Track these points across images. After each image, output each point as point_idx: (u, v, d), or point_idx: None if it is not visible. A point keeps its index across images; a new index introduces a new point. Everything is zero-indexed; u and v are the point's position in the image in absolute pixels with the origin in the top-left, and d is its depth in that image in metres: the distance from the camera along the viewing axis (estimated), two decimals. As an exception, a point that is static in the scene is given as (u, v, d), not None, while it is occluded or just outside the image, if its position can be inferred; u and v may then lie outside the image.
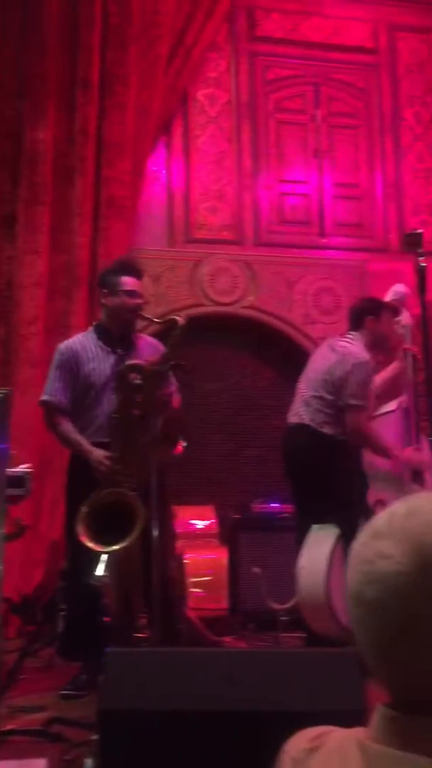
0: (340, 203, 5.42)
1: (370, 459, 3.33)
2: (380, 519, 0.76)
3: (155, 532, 2.51)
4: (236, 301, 5.05)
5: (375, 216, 5.44)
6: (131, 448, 2.67)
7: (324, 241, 5.37)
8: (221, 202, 5.19)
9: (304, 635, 3.25)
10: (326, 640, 2.92)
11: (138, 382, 2.73)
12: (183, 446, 3.04)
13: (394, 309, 3.49)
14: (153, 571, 2.48)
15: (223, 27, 5.26)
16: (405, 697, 0.72)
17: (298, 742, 0.80)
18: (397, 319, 3.53)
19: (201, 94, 5.25)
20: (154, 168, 5.10)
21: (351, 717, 0.83)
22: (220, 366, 5.12)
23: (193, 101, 5.22)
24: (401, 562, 0.70)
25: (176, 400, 3.09)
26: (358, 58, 5.54)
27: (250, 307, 5.07)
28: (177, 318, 2.89)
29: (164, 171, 5.15)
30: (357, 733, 0.75)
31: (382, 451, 3.29)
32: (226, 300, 5.04)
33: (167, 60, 4.91)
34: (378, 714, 0.74)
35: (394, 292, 3.57)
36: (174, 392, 3.08)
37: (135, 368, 2.78)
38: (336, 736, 0.78)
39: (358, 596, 0.72)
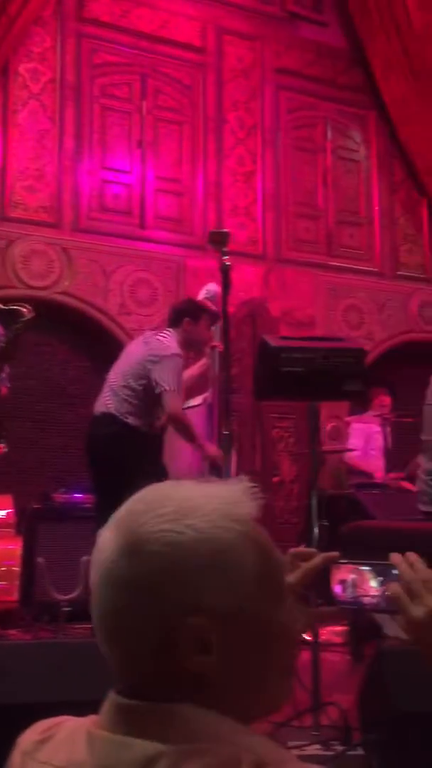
0: (161, 197, 5.45)
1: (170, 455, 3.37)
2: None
3: None
4: (50, 286, 4.92)
5: (195, 213, 5.53)
6: None
7: (144, 232, 5.37)
8: (40, 183, 5.03)
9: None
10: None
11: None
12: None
13: (214, 316, 3.54)
14: None
15: (50, 2, 5.10)
16: (128, 683, 0.72)
17: (29, 735, 0.78)
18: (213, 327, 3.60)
19: (23, 68, 5.05)
20: (-31, 138, 4.84)
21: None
22: (29, 351, 4.95)
23: (15, 74, 5.01)
24: (112, 549, 0.72)
25: (4, 388, 2.99)
26: (186, 55, 5.60)
27: (65, 293, 4.96)
28: (23, 308, 2.76)
29: (-21, 142, 4.90)
30: (88, 721, 0.74)
31: (194, 439, 3.36)
32: (40, 284, 4.89)
33: (-12, 27, 4.67)
34: (107, 701, 0.73)
35: (206, 290, 3.65)
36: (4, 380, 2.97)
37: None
38: (68, 726, 0.76)
39: (90, 584, 0.72)
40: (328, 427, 5.64)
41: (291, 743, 1.76)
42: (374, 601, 1.04)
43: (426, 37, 6.25)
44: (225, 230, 2.67)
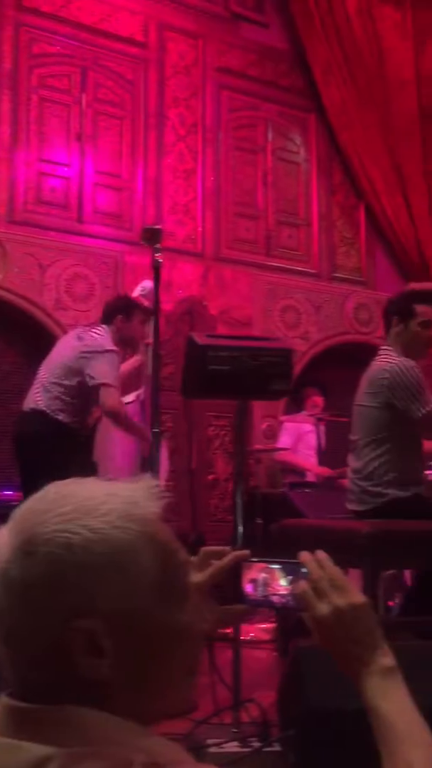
0: (100, 191, 5.40)
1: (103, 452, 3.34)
2: None
3: None
4: (-17, 279, 4.81)
5: (134, 209, 5.49)
6: None
7: (81, 227, 5.30)
8: (-27, 172, 4.91)
9: None
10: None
11: None
12: None
13: (147, 312, 3.52)
14: None
15: (-12, -12, 4.99)
16: (21, 685, 0.71)
17: None
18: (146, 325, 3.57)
19: (-43, 54, 4.92)
20: None
21: None
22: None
23: None
24: (7, 549, 0.71)
25: None
26: (128, 50, 5.56)
27: (-2, 286, 4.86)
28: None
29: None
30: None
31: (136, 432, 3.34)
32: (-28, 276, 4.78)
33: None
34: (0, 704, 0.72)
35: (141, 287, 3.62)
36: None
37: None
38: None
39: None
40: (263, 426, 5.69)
41: (210, 741, 1.77)
42: (283, 599, 1.06)
43: (365, 43, 6.36)
44: (158, 227, 2.66)
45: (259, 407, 5.66)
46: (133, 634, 0.72)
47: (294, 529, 3.13)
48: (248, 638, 3.63)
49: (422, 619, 2.75)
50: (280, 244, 6.15)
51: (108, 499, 0.75)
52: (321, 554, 1.02)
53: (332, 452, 5.02)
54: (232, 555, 1.08)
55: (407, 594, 3.32)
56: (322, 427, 5.23)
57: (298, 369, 5.97)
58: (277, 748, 1.67)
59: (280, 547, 3.09)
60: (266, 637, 3.58)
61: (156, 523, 0.77)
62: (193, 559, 1.07)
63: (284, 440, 5.30)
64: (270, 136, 6.18)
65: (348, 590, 0.98)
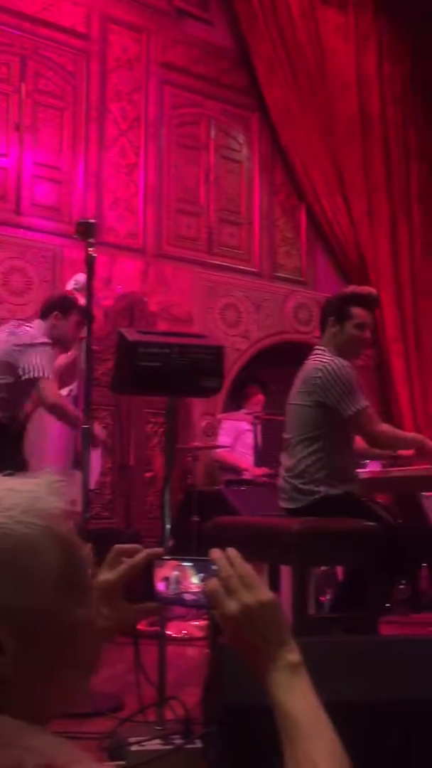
0: (39, 183, 5.31)
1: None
2: None
3: None
4: None
5: (73, 202, 5.42)
6: None
7: (19, 219, 5.21)
8: None
9: None
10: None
11: None
12: None
13: (85, 315, 3.46)
14: None
15: None
16: None
17: None
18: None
19: None
20: None
21: None
22: None
23: None
24: None
25: None
26: (70, 41, 5.48)
27: None
28: None
29: None
30: None
31: (76, 422, 3.29)
32: None
33: None
34: None
35: (75, 281, 3.58)
36: None
37: None
38: None
39: None
40: (203, 423, 5.69)
41: (132, 739, 1.76)
42: (195, 597, 1.05)
43: (308, 44, 6.42)
44: (92, 221, 2.62)
45: (198, 405, 5.66)
46: (34, 631, 0.71)
47: (227, 526, 3.14)
48: (181, 635, 3.63)
49: (350, 614, 2.79)
50: (222, 242, 6.16)
51: (10, 494, 0.74)
52: (232, 551, 1.02)
53: (271, 451, 5.05)
54: (144, 553, 1.07)
55: (338, 590, 3.37)
56: (260, 426, 5.27)
57: (238, 367, 6.00)
58: (198, 744, 1.68)
59: (213, 544, 3.09)
60: (199, 634, 3.59)
61: (60, 519, 0.76)
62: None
63: (223, 438, 5.32)
64: (213, 133, 6.18)
65: (257, 587, 0.98)
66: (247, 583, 0.98)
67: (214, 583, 0.99)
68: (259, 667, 0.96)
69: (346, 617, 2.81)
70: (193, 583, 1.05)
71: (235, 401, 5.65)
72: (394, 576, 2.91)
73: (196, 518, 4.50)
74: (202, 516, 4.36)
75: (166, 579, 1.06)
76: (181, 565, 1.06)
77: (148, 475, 5.40)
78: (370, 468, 4.47)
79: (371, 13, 6.76)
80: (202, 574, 1.04)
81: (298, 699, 0.92)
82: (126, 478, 5.26)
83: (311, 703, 0.92)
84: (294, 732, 0.89)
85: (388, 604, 4.42)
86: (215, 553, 1.02)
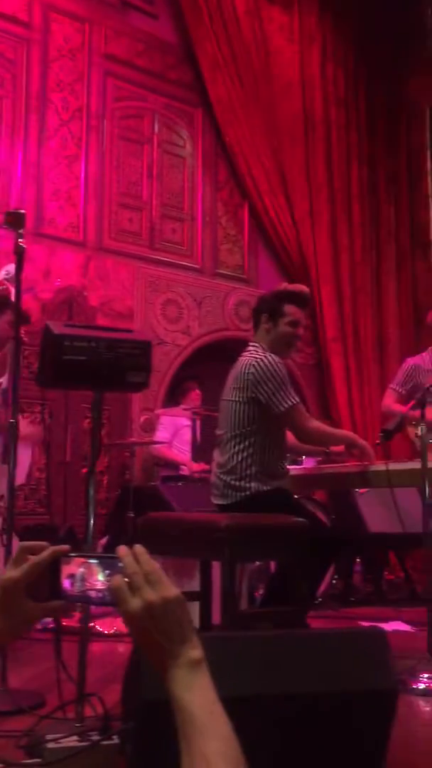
0: (-24, 173, 5.19)
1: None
2: None
3: None
4: None
5: (11, 193, 5.31)
6: None
7: None
8: None
9: None
10: None
11: None
12: None
13: (18, 315, 3.40)
14: None
15: None
16: None
17: None
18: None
19: None
20: None
21: None
22: None
23: None
24: None
25: None
26: (10, 28, 5.37)
27: None
28: None
29: None
30: None
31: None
32: None
33: None
34: None
35: (6, 271, 3.50)
36: None
37: None
38: None
39: None
40: (142, 419, 5.67)
41: (49, 736, 1.74)
42: (100, 594, 1.05)
43: (253, 43, 6.44)
44: (21, 211, 2.57)
45: (137, 400, 5.64)
46: None
47: (159, 522, 3.13)
48: (112, 632, 3.62)
49: (277, 609, 2.82)
50: (164, 237, 6.14)
51: None
52: (138, 548, 1.02)
53: (209, 447, 5.05)
54: (50, 550, 1.06)
55: (269, 585, 3.40)
56: (199, 422, 5.27)
57: (178, 363, 6.00)
58: (116, 741, 1.67)
59: (145, 540, 3.08)
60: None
61: None
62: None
63: (161, 434, 5.31)
64: (156, 127, 6.15)
65: (162, 584, 0.98)
66: (151, 580, 0.98)
67: (118, 580, 0.99)
68: (161, 663, 0.96)
69: (274, 612, 2.84)
70: (99, 581, 1.04)
71: (174, 397, 5.65)
72: (321, 572, 2.94)
73: (131, 514, 4.47)
74: (138, 512, 4.34)
75: (72, 576, 1.05)
76: (87, 563, 1.06)
77: (84, 470, 5.35)
78: (306, 465, 4.53)
79: (316, 15, 6.82)
80: (108, 572, 1.04)
81: (196, 695, 0.92)
82: (62, 474, 5.21)
83: (209, 700, 0.92)
84: (190, 729, 0.89)
85: (320, 600, 4.50)
86: (121, 550, 1.02)
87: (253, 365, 2.98)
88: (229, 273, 6.52)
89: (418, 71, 7.32)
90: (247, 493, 2.93)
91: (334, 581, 4.87)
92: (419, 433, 2.68)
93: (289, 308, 3.10)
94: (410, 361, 4.52)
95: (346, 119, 7.00)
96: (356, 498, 4.81)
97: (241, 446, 2.96)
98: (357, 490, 4.65)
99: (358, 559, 5.39)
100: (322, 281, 6.69)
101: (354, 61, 7.11)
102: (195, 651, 0.96)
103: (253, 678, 1.25)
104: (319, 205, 6.74)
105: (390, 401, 4.21)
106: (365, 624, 3.95)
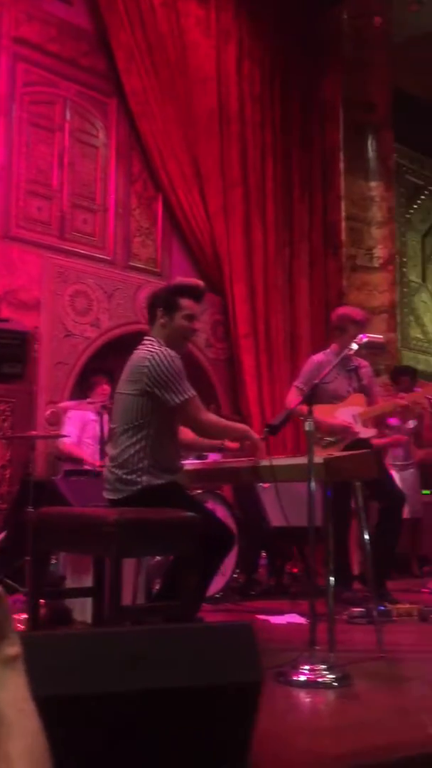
0: None
1: None
2: None
3: None
4: None
5: None
6: None
7: None
8: None
9: None
10: None
11: None
12: None
13: None
14: None
15: None
16: None
17: None
18: None
19: None
20: None
21: None
22: None
23: None
24: None
25: None
26: None
27: None
28: None
29: None
30: None
31: None
32: None
33: None
34: None
35: None
36: None
37: None
38: None
39: None
40: (47, 412, 5.55)
41: None
42: None
43: (169, 35, 6.40)
44: None
45: (43, 393, 5.52)
46: None
47: (52, 517, 3.07)
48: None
49: (165, 604, 2.80)
50: (75, 227, 6.03)
51: None
52: None
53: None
54: None
55: (163, 579, 3.38)
56: (106, 416, 5.19)
57: (86, 356, 5.90)
58: None
59: (38, 535, 3.02)
60: (21, 628, 3.49)
61: None
62: None
63: (68, 428, 5.20)
64: (68, 115, 6.04)
65: None
66: None
67: None
68: None
69: (161, 606, 2.82)
70: None
71: (82, 391, 5.56)
72: (212, 566, 2.94)
73: (30, 509, 4.37)
74: (36, 506, 4.25)
75: None
76: None
77: (-14, 464, 5.21)
78: (211, 459, 4.54)
79: (232, 10, 6.83)
80: None
81: (8, 693, 0.89)
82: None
83: (20, 697, 0.89)
84: None
85: (220, 594, 4.51)
86: None
87: (148, 359, 2.96)
88: (141, 266, 6.47)
89: (332, 72, 7.43)
90: (139, 487, 2.90)
91: (235, 575, 4.90)
92: (306, 428, 2.71)
93: (184, 302, 3.09)
94: (315, 359, 4.59)
95: (261, 117, 7.04)
96: (260, 492, 4.85)
97: (134, 439, 2.93)
98: (261, 485, 4.69)
99: (263, 553, 5.45)
100: (235, 277, 6.71)
101: (270, 60, 7.15)
102: (11, 648, 0.92)
103: (84, 676, 1.23)
104: (234, 201, 6.75)
105: (293, 398, 4.26)
106: (261, 617, 3.99)
